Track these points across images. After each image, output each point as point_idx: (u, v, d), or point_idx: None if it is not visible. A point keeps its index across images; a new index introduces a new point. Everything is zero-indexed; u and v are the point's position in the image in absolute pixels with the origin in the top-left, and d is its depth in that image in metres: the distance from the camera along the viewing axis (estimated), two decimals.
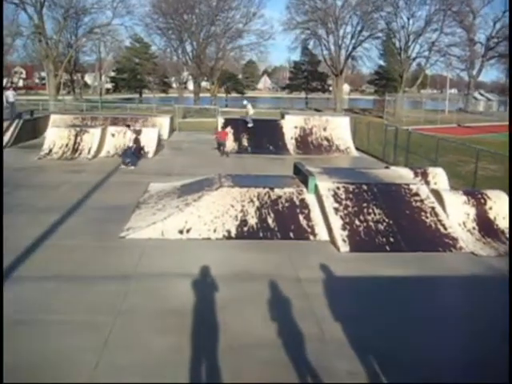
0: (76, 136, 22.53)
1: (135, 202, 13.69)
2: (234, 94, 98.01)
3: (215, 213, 11.76)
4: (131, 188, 15.54)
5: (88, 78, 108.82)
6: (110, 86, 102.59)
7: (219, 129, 25.63)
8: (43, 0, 53.93)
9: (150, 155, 22.76)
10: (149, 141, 23.44)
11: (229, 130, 25.32)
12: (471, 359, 6.71)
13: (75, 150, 22.08)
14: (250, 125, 25.73)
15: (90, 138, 22.49)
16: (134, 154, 20.15)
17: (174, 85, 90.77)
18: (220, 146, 24.03)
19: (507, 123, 48.66)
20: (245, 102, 27.66)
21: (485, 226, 12.14)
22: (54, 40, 57.98)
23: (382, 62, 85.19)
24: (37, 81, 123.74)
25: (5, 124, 24.96)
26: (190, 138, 29.73)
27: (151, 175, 17.91)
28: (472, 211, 12.38)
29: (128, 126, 22.92)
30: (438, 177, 14.93)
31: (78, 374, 5.88)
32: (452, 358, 6.71)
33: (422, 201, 12.42)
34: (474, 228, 12.09)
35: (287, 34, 70.36)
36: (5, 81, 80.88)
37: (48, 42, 55.35)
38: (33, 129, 27.23)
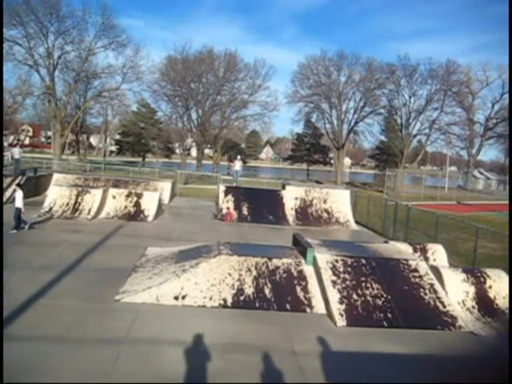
0: (77, 196, 22.61)
1: (132, 265, 13.58)
2: (235, 161, 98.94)
3: (212, 280, 11.64)
4: (129, 251, 15.45)
5: (93, 140, 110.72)
6: (114, 148, 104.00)
7: (220, 198, 25.78)
8: (56, 63, 55.57)
9: (150, 219, 22.75)
10: (149, 204, 23.49)
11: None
12: None
13: (75, 209, 22.09)
14: (234, 184, 26.54)
15: (91, 199, 22.55)
16: (19, 218, 18.04)
17: (178, 150, 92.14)
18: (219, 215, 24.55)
19: (506, 202, 49.03)
20: (238, 157, 28.57)
21: (484, 305, 11.99)
22: (63, 101, 59.25)
23: (383, 138, 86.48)
24: (43, 139, 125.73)
25: (8, 180, 25.13)
26: (191, 203, 29.84)
27: (150, 239, 17.85)
28: (471, 289, 12.27)
29: (19, 185, 20.64)
30: (438, 253, 14.87)
31: None
32: None
33: (420, 277, 12.32)
34: (473, 307, 11.94)
35: (291, 107, 71.75)
36: (11, 138, 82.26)
37: (57, 102, 56.55)
38: (35, 186, 27.37)
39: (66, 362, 7.72)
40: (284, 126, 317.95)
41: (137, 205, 23.42)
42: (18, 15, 52.24)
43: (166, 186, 30.16)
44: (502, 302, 12.10)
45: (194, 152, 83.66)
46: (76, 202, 22.43)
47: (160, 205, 24.78)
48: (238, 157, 26.42)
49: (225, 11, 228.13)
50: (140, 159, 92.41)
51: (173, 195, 31.64)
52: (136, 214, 22.96)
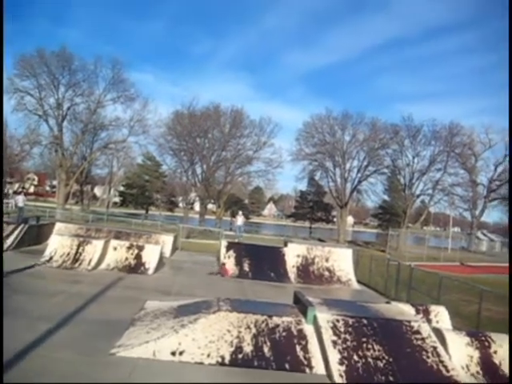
0: (78, 246, 22.54)
1: (130, 319, 13.37)
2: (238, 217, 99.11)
3: (210, 337, 11.43)
4: (128, 304, 15.26)
5: (97, 190, 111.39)
6: (117, 199, 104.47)
7: (221, 253, 25.72)
8: (65, 114, 56.62)
9: (151, 272, 22.58)
10: (150, 257, 23.36)
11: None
12: None
13: (76, 259, 21.98)
14: (236, 240, 26.40)
15: (92, 250, 22.46)
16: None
17: (181, 204, 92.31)
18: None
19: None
20: (240, 212, 28.48)
21: (489, 370, 11.69)
22: (70, 151, 60.05)
23: (386, 197, 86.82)
24: (47, 188, 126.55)
25: (10, 227, 25.17)
26: (192, 258, 29.66)
27: (149, 292, 17.66)
28: (476, 354, 11.99)
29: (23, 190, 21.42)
30: (440, 315, 14.65)
31: None
32: None
33: (423, 339, 12.07)
34: (477, 372, 11.64)
35: (295, 164, 72.42)
36: (16, 185, 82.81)
37: (64, 152, 57.35)
38: (37, 235, 27.35)
39: None
40: (288, 183, 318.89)
41: (138, 257, 23.30)
42: (31, 67, 53.54)
43: (167, 240, 30.11)
44: (507, 368, 11.80)
45: (197, 206, 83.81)
46: (77, 252, 22.35)
47: (161, 258, 24.64)
48: (240, 212, 26.36)
49: (233, 69, 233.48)
50: (143, 211, 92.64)
51: (174, 249, 31.52)
52: (136, 267, 22.81)
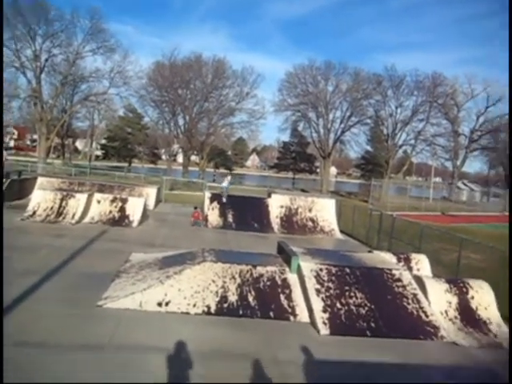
0: (61, 200, 22.45)
1: (115, 271, 13.48)
2: (222, 170, 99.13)
3: (196, 287, 11.60)
4: (112, 256, 15.35)
5: (79, 144, 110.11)
6: (99, 152, 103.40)
7: (205, 205, 25.80)
8: (43, 65, 55.30)
9: (135, 224, 22.66)
10: (134, 210, 23.39)
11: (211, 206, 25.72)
12: None
13: (59, 213, 21.93)
14: (224, 199, 26.04)
15: (76, 203, 22.40)
16: None
17: (164, 156, 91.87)
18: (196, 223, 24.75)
19: (490, 214, 49.52)
20: (228, 177, 27.89)
21: (467, 315, 12.07)
22: (50, 104, 58.90)
23: (369, 148, 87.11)
24: (28, 142, 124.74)
25: None
26: (176, 210, 29.75)
27: (134, 244, 17.75)
28: (454, 300, 12.34)
29: None
30: (421, 263, 14.96)
31: None
32: None
33: (404, 286, 12.37)
34: (455, 317, 12.00)
35: (278, 115, 71.87)
36: None
37: (43, 105, 56.22)
38: (19, 189, 27.12)
39: (46, 368, 7.64)
40: (271, 134, 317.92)
41: (121, 210, 23.33)
42: (5, 17, 51.92)
43: (151, 192, 30.09)
44: (483, 313, 12.18)
45: (180, 158, 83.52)
46: (60, 206, 22.28)
47: (145, 210, 24.68)
48: (228, 175, 26.15)
49: (214, 20, 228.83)
50: (126, 164, 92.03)
51: (158, 201, 31.56)
52: (120, 219, 22.87)
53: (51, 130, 58.21)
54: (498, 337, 11.40)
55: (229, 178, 26.37)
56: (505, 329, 11.79)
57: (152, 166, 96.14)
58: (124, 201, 23.75)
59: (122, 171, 61.47)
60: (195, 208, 25.50)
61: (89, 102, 64.02)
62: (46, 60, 56.16)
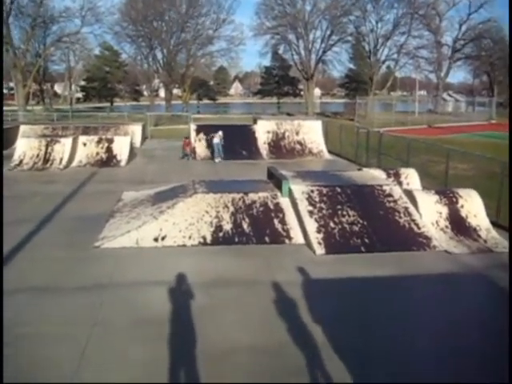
0: (47, 146, 22.23)
1: (109, 211, 13.54)
2: (206, 101, 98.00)
3: (190, 219, 11.72)
4: (104, 197, 15.37)
5: (58, 88, 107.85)
6: (80, 95, 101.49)
7: (192, 137, 25.56)
8: (9, 8, 53.26)
9: (123, 163, 22.59)
10: (121, 149, 23.26)
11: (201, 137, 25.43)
12: (449, 352, 6.79)
13: (46, 160, 21.78)
14: (216, 160, 23.88)
15: (61, 148, 22.20)
16: None
17: (146, 92, 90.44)
18: (185, 154, 24.56)
19: (476, 123, 49.64)
20: (220, 133, 25.51)
21: (457, 224, 12.32)
22: (22, 49, 57.19)
23: (352, 66, 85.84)
24: (5, 91, 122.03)
25: None
26: (163, 145, 29.61)
27: (124, 184, 17.73)
28: (444, 210, 12.55)
29: None
30: (410, 177, 15.09)
31: None
32: (431, 353, 6.78)
33: (395, 201, 12.54)
34: (446, 227, 12.25)
35: (257, 40, 70.39)
36: None
37: (16, 51, 54.56)
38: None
39: (50, 310, 7.81)
40: (252, 60, 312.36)
41: (108, 150, 23.20)
42: None
43: (136, 130, 29.81)
44: (473, 220, 12.44)
45: (162, 93, 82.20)
46: (46, 152, 22.09)
47: (132, 149, 24.57)
48: (220, 132, 24.01)
49: None
50: (108, 104, 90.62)
51: (144, 138, 31.33)
52: (108, 160, 22.79)
53: (27, 76, 56.77)
54: (487, 242, 11.68)
55: (220, 133, 24.16)
56: (494, 234, 12.07)
57: (135, 103, 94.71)
58: (110, 141, 23.57)
59: (104, 112, 60.64)
60: (186, 138, 25.23)
61: (62, 43, 62.19)
62: (12, 2, 54.03)
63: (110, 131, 28.19)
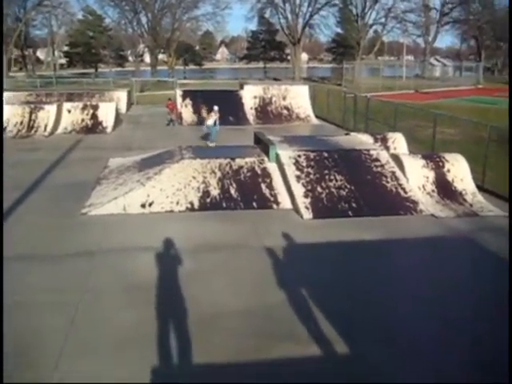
0: (30, 113, 21.96)
1: (95, 178, 13.47)
2: (192, 66, 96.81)
3: (177, 185, 11.68)
4: (91, 164, 15.27)
5: (40, 54, 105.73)
6: (63, 61, 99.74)
7: (178, 103, 25.29)
8: None
9: (109, 130, 22.40)
10: (106, 116, 23.03)
11: (187, 102, 25.13)
12: (436, 314, 6.94)
13: (31, 127, 21.54)
14: (211, 144, 18.69)
15: (46, 115, 21.94)
16: None
17: (131, 58, 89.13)
18: (170, 120, 24.24)
19: (463, 88, 49.56)
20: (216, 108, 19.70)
21: (443, 188, 12.41)
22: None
23: (339, 30, 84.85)
24: None
25: None
26: (149, 111, 29.30)
27: (111, 150, 17.58)
28: (431, 174, 12.62)
29: None
30: (397, 142, 15.13)
31: (46, 353, 5.81)
32: (418, 316, 6.89)
33: (382, 166, 12.57)
34: (433, 191, 12.34)
35: (243, 3, 69.43)
36: None
37: None
38: None
39: (39, 277, 7.81)
40: (238, 25, 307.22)
41: (94, 117, 22.97)
42: None
43: (121, 96, 29.48)
44: (459, 185, 12.52)
45: (147, 58, 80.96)
46: (30, 119, 21.84)
47: (117, 115, 24.31)
48: (215, 108, 18.45)
49: None
50: (92, 70, 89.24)
51: (130, 104, 31.00)
52: (94, 127, 22.58)
53: (8, 41, 55.63)
54: (473, 206, 11.80)
55: (216, 109, 19.34)
56: (479, 198, 12.18)
57: (119, 69, 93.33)
58: (95, 107, 23.32)
59: (89, 78, 59.73)
60: (169, 99, 24.89)
61: (43, 7, 60.84)
62: None
63: (95, 97, 27.82)
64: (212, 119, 19.24)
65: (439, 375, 5.56)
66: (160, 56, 70.82)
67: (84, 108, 23.27)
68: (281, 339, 6.16)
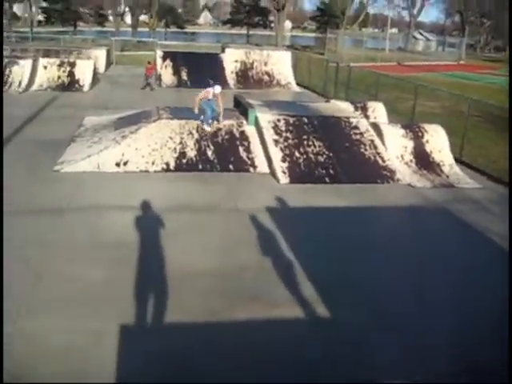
0: (4, 68, 21.30)
1: (70, 136, 13.15)
2: (174, 29, 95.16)
3: (153, 145, 11.47)
4: (66, 122, 14.87)
5: (17, 9, 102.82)
6: (41, 17, 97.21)
7: (158, 64, 24.71)
8: None
9: (86, 89, 21.89)
10: (84, 74, 22.46)
11: (167, 63, 24.63)
12: (411, 281, 7.00)
13: (4, 82, 20.89)
14: (207, 128, 13.28)
15: (20, 70, 21.29)
16: None
17: (111, 18, 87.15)
18: (147, 83, 23.03)
19: (445, 63, 49.55)
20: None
21: (421, 158, 12.42)
22: None
23: None
24: None
25: None
26: (128, 71, 28.66)
27: (87, 109, 17.20)
28: (410, 144, 12.60)
29: None
30: (378, 111, 15.06)
31: (13, 308, 5.65)
32: (392, 282, 6.91)
33: (361, 134, 12.49)
34: (411, 161, 12.33)
35: None
36: None
37: None
38: None
39: (12, 234, 7.55)
40: None
41: (71, 74, 22.40)
42: None
43: (100, 54, 28.71)
44: (437, 156, 12.54)
45: (128, 19, 79.43)
46: (3, 74, 21.18)
47: (95, 74, 23.77)
48: (218, 89, 14.83)
49: None
50: (71, 28, 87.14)
51: (108, 64, 30.29)
52: (70, 84, 22.04)
53: None
54: (450, 177, 11.84)
55: (217, 92, 13.24)
56: (456, 170, 12.22)
57: (99, 28, 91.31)
58: (72, 65, 22.72)
59: (67, 35, 58.31)
60: (149, 63, 24.02)
61: None
62: None
63: (72, 55, 27.09)
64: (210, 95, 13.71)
65: (418, 337, 5.59)
66: (141, 17, 69.45)
67: (61, 65, 22.66)
68: (252, 300, 6.11)
